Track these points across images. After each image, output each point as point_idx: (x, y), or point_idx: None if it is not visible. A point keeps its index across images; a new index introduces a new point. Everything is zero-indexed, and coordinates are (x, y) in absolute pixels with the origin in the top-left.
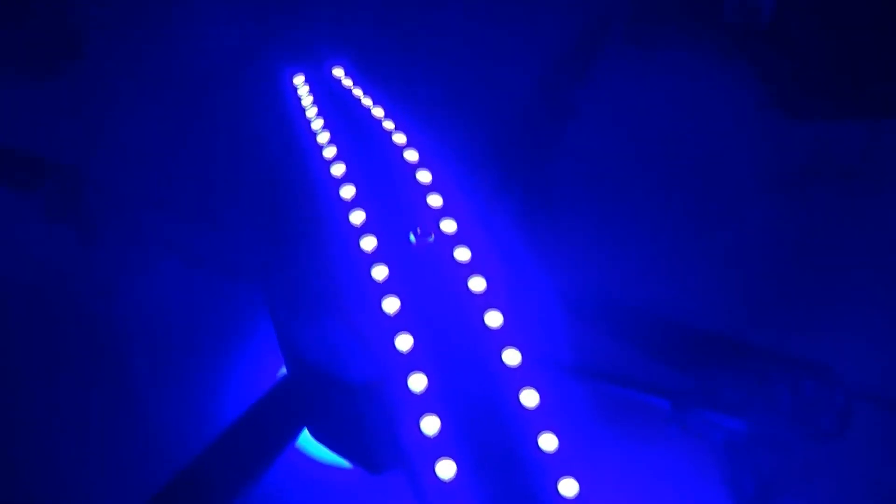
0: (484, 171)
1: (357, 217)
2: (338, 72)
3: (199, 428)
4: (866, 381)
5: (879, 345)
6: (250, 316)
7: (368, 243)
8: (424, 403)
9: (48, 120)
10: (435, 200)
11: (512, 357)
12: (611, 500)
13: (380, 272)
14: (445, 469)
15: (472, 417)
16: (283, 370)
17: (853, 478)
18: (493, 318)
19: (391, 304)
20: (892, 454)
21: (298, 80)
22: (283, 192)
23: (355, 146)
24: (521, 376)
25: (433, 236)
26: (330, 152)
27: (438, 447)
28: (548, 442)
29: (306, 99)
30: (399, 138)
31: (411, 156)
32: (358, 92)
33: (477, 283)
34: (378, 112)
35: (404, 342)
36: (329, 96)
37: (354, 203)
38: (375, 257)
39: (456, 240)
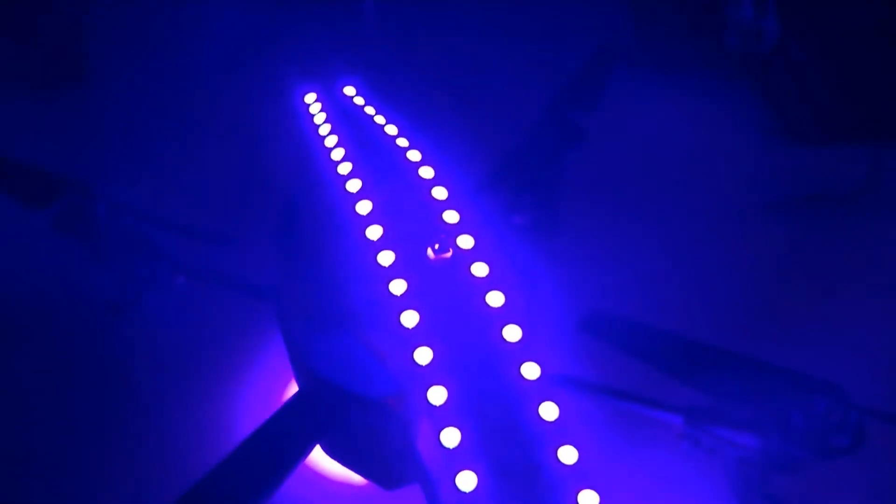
0: (495, 190)
1: (374, 232)
2: (349, 90)
3: (209, 445)
4: (875, 397)
5: (886, 361)
6: (261, 333)
7: (386, 258)
8: (444, 416)
9: (57, 136)
10: (451, 216)
11: (531, 371)
12: None
13: (398, 286)
14: (466, 481)
15: (492, 429)
16: (294, 387)
17: (866, 495)
18: (512, 333)
19: (410, 318)
20: None
21: (310, 98)
22: (297, 207)
23: (370, 162)
24: (541, 389)
25: (451, 251)
26: (345, 168)
27: (459, 459)
28: (568, 454)
29: (319, 116)
30: (413, 155)
31: (426, 172)
32: (370, 110)
33: (495, 298)
34: (391, 130)
35: (424, 355)
36: (342, 114)
37: (371, 218)
38: (393, 272)
39: (473, 255)
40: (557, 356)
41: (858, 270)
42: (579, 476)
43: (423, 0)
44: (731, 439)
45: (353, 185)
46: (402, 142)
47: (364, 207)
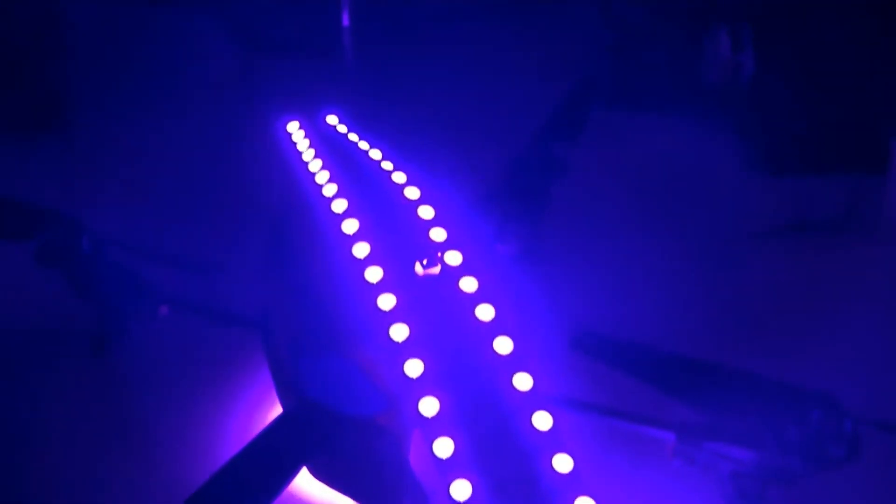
0: (480, 217)
1: (361, 250)
2: (332, 119)
3: (197, 476)
4: (867, 408)
5: (874, 370)
6: (247, 363)
7: (374, 275)
8: (437, 427)
9: (39, 177)
10: (438, 234)
11: (523, 381)
12: None
13: (387, 301)
14: (461, 491)
15: (485, 439)
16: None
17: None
18: (503, 345)
19: (400, 332)
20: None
21: (293, 126)
22: (284, 231)
23: (355, 184)
24: (533, 400)
25: (439, 266)
26: (330, 190)
27: (453, 469)
28: (563, 463)
29: (302, 143)
30: (399, 177)
31: (412, 193)
32: (353, 137)
33: (485, 312)
34: (376, 154)
35: (414, 368)
36: (325, 140)
37: (357, 237)
38: (381, 288)
39: (461, 271)
40: (548, 369)
41: (843, 291)
42: (575, 484)
43: (403, 38)
44: (726, 454)
45: (339, 206)
46: (387, 165)
47: (351, 227)
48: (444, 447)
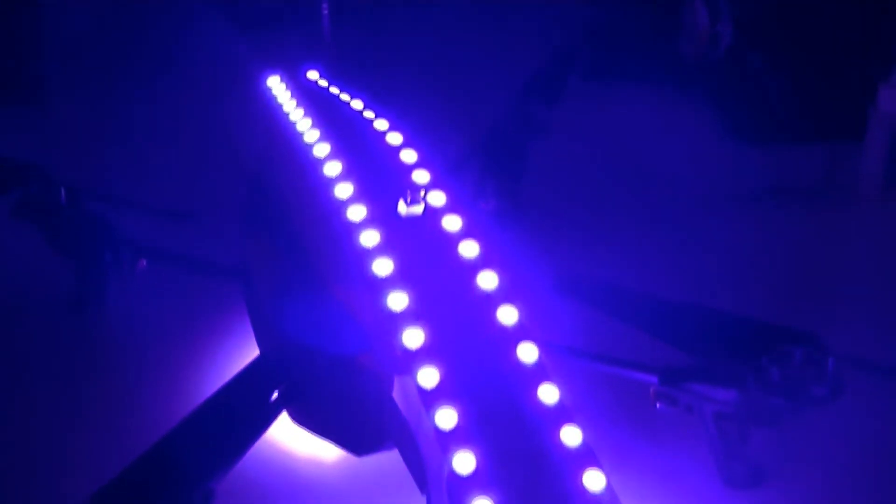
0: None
1: (344, 190)
2: (312, 74)
3: (176, 418)
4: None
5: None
6: (226, 311)
7: (357, 213)
8: (421, 357)
9: (17, 143)
10: (421, 176)
11: (507, 314)
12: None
13: (370, 238)
14: (446, 418)
15: (470, 370)
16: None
17: (843, 448)
18: (487, 280)
19: (383, 267)
20: (883, 419)
21: (274, 80)
22: (265, 177)
23: (338, 130)
24: (517, 332)
25: (423, 205)
26: (312, 136)
27: (437, 397)
28: (547, 393)
29: (283, 95)
30: (381, 124)
31: (394, 138)
32: (334, 90)
33: (469, 248)
34: (357, 104)
35: (398, 301)
36: (306, 92)
37: (340, 178)
38: (364, 226)
39: (445, 210)
40: (532, 306)
41: (823, 250)
42: (560, 414)
43: (383, 10)
44: (708, 395)
45: (321, 150)
46: (369, 114)
47: (333, 169)
48: (428, 377)
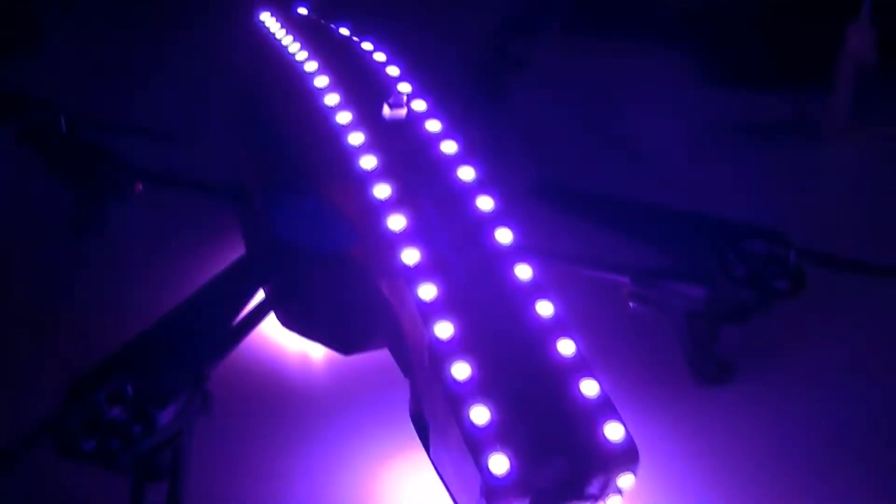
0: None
1: (332, 99)
2: (303, 10)
3: None
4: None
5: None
6: (221, 230)
7: (344, 118)
8: (405, 238)
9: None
10: (405, 87)
11: (486, 203)
12: None
13: (356, 138)
14: (427, 291)
15: (450, 248)
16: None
17: (806, 343)
18: (467, 173)
19: (369, 162)
20: (844, 313)
21: (265, 15)
22: (255, 95)
23: (325, 51)
24: (495, 217)
25: (406, 109)
26: (302, 56)
27: (423, 273)
28: (522, 271)
29: (274, 26)
30: (367, 46)
31: (380, 56)
32: (324, 23)
33: (449, 146)
34: (344, 31)
35: (383, 191)
36: (297, 24)
37: (328, 90)
38: (351, 128)
39: (426, 115)
40: (510, 198)
41: (790, 183)
42: (536, 290)
43: None
44: (679, 291)
45: (311, 66)
46: (355, 39)
47: (321, 82)
48: (410, 256)
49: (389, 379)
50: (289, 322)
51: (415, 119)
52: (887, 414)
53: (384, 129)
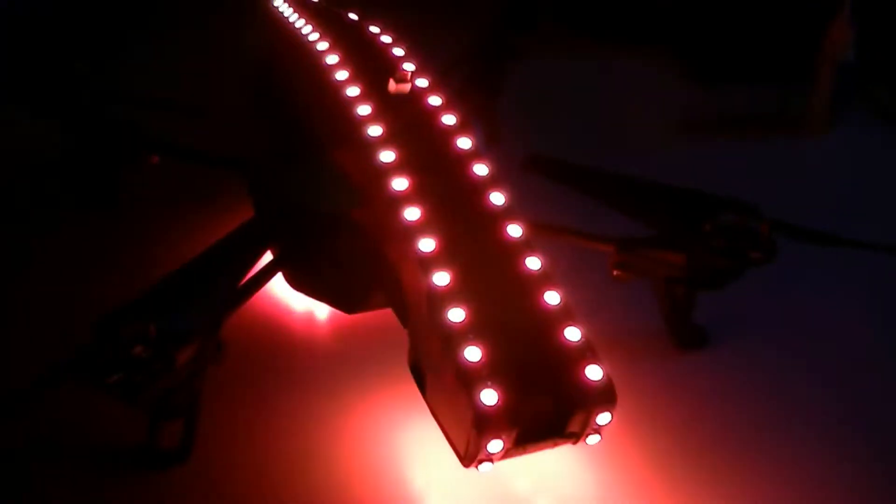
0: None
1: (341, 75)
2: None
3: None
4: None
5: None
6: (232, 201)
7: (352, 91)
8: (407, 198)
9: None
10: (409, 65)
11: (481, 169)
12: None
13: (364, 109)
14: (426, 245)
15: (447, 204)
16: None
17: (774, 307)
18: (464, 142)
19: (375, 130)
20: (811, 283)
21: (278, 1)
22: (268, 71)
23: (334, 32)
24: (489, 180)
25: (410, 85)
26: (314, 36)
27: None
28: (514, 230)
29: (287, 10)
30: (374, 28)
31: (386, 38)
32: (334, 8)
33: (449, 119)
34: (353, 15)
35: (388, 156)
36: (309, 8)
37: (338, 66)
38: (359, 100)
39: (429, 91)
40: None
41: (772, 174)
42: (526, 246)
43: None
44: (659, 259)
45: (322, 45)
46: (362, 21)
47: (332, 59)
48: (412, 214)
49: (390, 338)
50: (295, 282)
51: (418, 94)
52: (854, 372)
53: (389, 102)
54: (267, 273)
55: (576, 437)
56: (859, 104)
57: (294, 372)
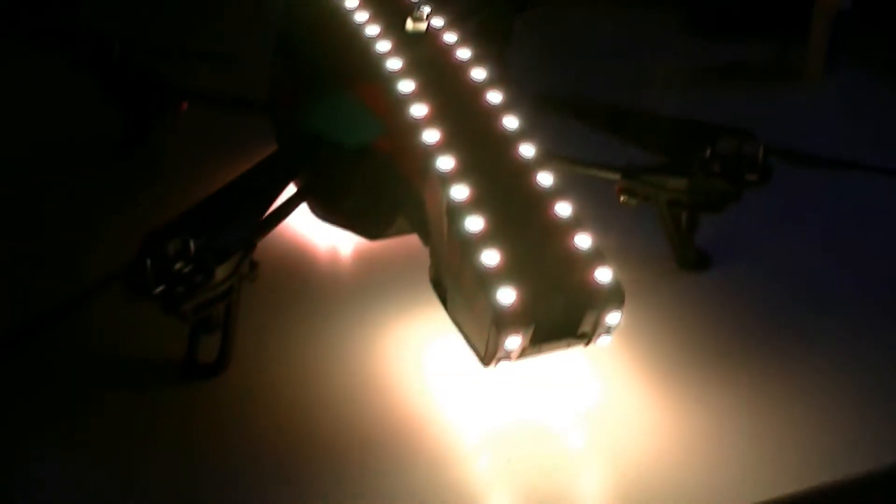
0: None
1: (361, 16)
2: None
3: None
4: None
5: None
6: (259, 145)
7: (372, 31)
8: (428, 122)
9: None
10: (426, 6)
11: (495, 96)
12: None
13: (383, 45)
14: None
15: (461, 127)
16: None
17: (781, 233)
18: (479, 73)
19: (394, 63)
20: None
21: None
22: (292, 17)
23: None
24: (503, 104)
25: (427, 23)
26: None
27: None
28: (526, 150)
29: None
30: None
31: None
32: None
33: (463, 52)
34: None
35: (407, 85)
36: None
37: (359, 7)
38: (379, 38)
39: (444, 30)
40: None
41: (774, 122)
42: (539, 162)
43: None
44: (663, 184)
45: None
46: None
47: (352, 4)
48: (431, 136)
49: (411, 265)
50: (320, 211)
51: (434, 32)
52: (855, 283)
53: (407, 39)
54: (294, 201)
55: (588, 339)
56: (854, 52)
57: (322, 295)
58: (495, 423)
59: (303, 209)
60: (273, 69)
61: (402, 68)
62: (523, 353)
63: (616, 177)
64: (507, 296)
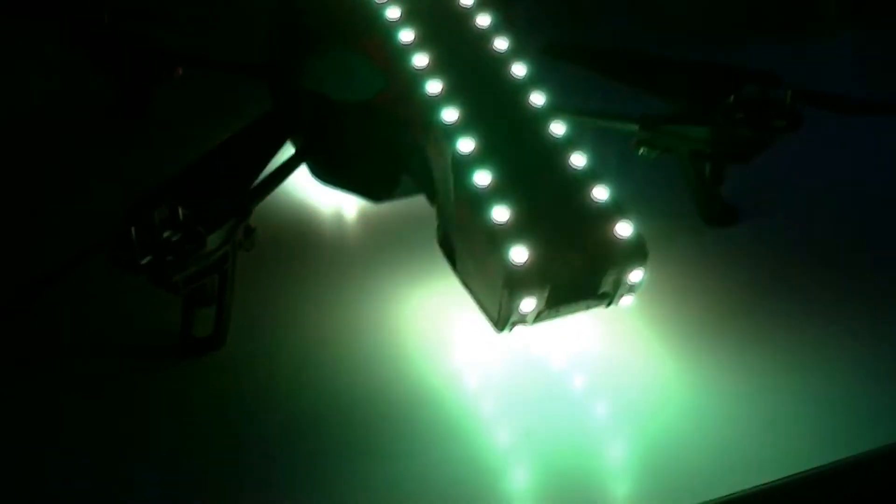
0: None
1: None
2: None
3: None
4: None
5: None
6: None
7: None
8: (430, 72)
9: None
10: None
11: (500, 43)
12: None
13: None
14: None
15: (469, 76)
16: None
17: (809, 177)
18: (483, 20)
19: (394, 11)
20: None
21: None
22: None
23: None
24: (510, 53)
25: None
26: None
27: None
28: (536, 99)
29: None
30: None
31: None
32: None
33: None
34: None
35: (407, 35)
36: None
37: None
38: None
39: None
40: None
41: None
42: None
43: None
44: (684, 134)
45: None
46: None
47: None
48: (434, 87)
49: (416, 228)
50: (321, 174)
51: None
52: (883, 232)
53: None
54: (292, 164)
55: (609, 299)
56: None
57: (326, 262)
58: (511, 394)
59: (303, 172)
60: (269, 26)
61: (401, 17)
62: (539, 316)
63: (633, 127)
64: (519, 254)
